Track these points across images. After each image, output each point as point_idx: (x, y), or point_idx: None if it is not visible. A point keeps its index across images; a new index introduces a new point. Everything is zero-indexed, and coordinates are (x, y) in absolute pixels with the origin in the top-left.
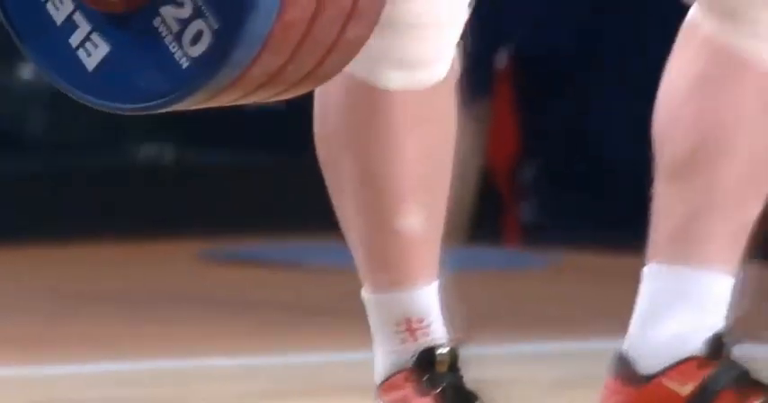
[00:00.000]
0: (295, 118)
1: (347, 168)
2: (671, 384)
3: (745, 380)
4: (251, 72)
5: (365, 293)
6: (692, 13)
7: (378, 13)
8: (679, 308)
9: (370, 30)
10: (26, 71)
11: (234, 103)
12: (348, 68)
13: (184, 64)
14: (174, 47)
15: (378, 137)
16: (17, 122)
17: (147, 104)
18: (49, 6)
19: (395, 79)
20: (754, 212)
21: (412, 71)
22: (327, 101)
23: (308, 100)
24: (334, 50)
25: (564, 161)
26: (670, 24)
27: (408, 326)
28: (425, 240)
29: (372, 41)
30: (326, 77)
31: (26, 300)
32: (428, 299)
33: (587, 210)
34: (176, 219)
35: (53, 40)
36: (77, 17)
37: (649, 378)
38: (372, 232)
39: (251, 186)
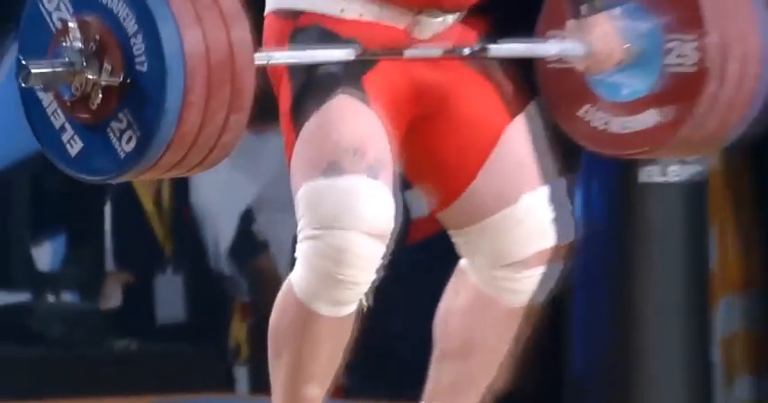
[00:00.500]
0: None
1: (284, 358)
2: None
3: None
4: (161, 162)
5: None
6: (462, 261)
7: (239, 136)
8: None
9: (238, 138)
10: None
11: (159, 177)
12: (300, 296)
13: (122, 155)
14: (116, 145)
15: (304, 342)
16: None
17: (102, 177)
18: (52, 118)
19: (326, 310)
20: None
21: (339, 307)
22: (282, 313)
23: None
24: (214, 150)
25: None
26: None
27: None
28: None
29: (315, 281)
30: (211, 166)
31: None
32: None
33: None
34: None
35: (53, 137)
36: (66, 125)
37: None
38: (290, 396)
39: None
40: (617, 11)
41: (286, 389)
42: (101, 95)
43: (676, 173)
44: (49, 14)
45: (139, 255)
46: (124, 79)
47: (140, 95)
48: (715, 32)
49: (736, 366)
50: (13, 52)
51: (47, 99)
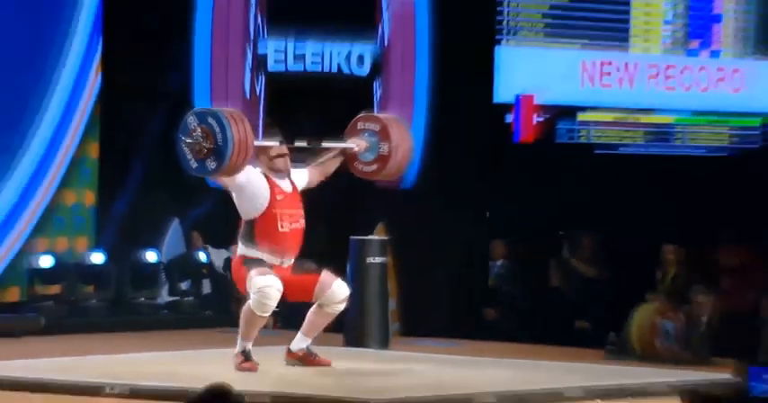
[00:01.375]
0: None
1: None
2: None
3: None
4: (219, 173)
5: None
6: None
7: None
8: None
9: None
10: None
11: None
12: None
13: (210, 168)
14: (208, 165)
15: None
16: None
17: (204, 175)
18: (188, 156)
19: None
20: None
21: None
22: (245, 311)
23: None
24: (236, 172)
25: None
26: None
27: None
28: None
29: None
30: (234, 174)
31: None
32: None
33: None
34: None
35: (188, 163)
36: (191, 158)
37: None
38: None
39: None
40: (366, 133)
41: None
42: (205, 150)
43: None
44: (190, 123)
45: None
46: (213, 145)
47: (217, 151)
48: (393, 141)
49: None
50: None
51: (187, 149)
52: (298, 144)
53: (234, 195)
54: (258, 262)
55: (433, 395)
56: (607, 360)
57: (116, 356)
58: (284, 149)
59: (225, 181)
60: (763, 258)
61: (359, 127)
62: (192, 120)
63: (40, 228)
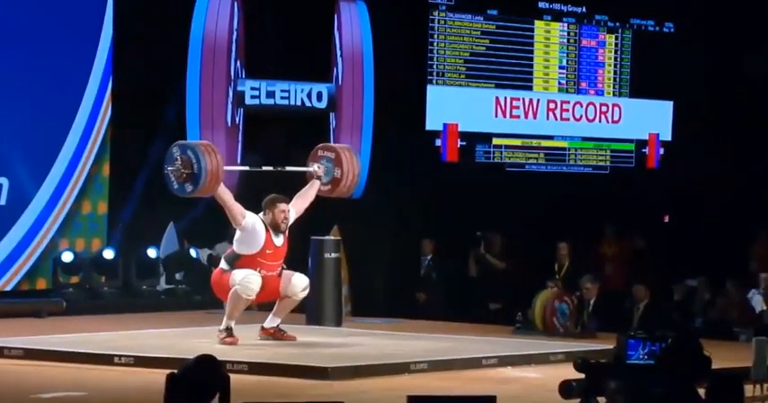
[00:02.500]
0: None
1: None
2: None
3: None
4: (194, 194)
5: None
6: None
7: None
8: None
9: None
10: None
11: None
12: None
13: (188, 190)
14: (187, 188)
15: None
16: None
17: (184, 196)
18: (172, 180)
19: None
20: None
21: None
22: (231, 292)
23: None
24: (207, 192)
25: None
26: None
27: None
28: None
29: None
30: (208, 195)
31: None
32: None
33: None
34: None
35: (173, 185)
36: (174, 182)
37: None
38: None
39: None
40: (324, 159)
41: (228, 315)
42: (185, 175)
43: None
44: (174, 153)
45: None
46: (191, 172)
47: (194, 177)
48: (345, 167)
49: None
50: None
51: (171, 175)
52: (266, 168)
53: (237, 231)
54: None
55: (378, 363)
56: (515, 335)
57: (123, 332)
58: (286, 213)
59: (237, 219)
60: (633, 250)
61: (319, 154)
62: (175, 150)
63: (62, 231)
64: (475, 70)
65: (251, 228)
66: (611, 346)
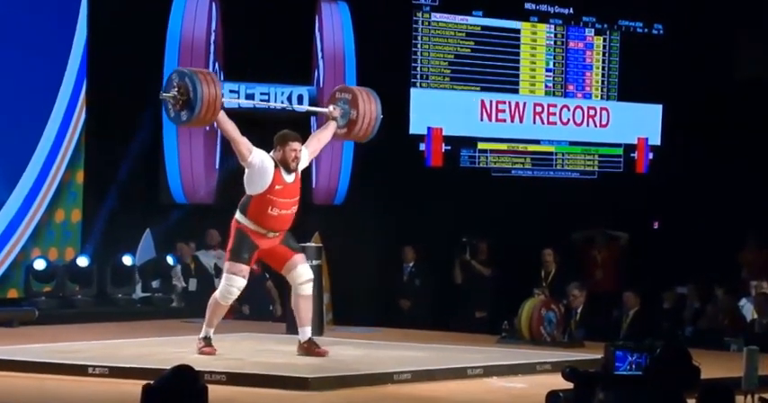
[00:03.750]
0: None
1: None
2: None
3: None
4: (191, 122)
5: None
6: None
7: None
8: None
9: (213, 119)
10: None
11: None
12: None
13: (184, 118)
14: (183, 115)
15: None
16: None
17: (181, 124)
18: (170, 106)
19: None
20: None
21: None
22: (212, 300)
23: None
24: (205, 121)
25: None
26: None
27: None
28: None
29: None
30: (206, 125)
31: None
32: None
33: None
34: None
35: (169, 112)
36: (171, 108)
37: None
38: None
39: None
40: (340, 101)
41: (207, 323)
42: (181, 102)
43: None
44: (172, 80)
45: None
46: (187, 97)
47: (190, 102)
48: (360, 108)
49: None
50: None
51: (169, 102)
52: (276, 105)
53: (246, 170)
54: (241, 245)
55: (360, 372)
56: (501, 344)
57: (98, 342)
58: (297, 151)
59: (243, 153)
60: (622, 254)
61: (336, 96)
62: (174, 76)
63: (34, 239)
64: (460, 73)
65: (259, 163)
66: (599, 356)
